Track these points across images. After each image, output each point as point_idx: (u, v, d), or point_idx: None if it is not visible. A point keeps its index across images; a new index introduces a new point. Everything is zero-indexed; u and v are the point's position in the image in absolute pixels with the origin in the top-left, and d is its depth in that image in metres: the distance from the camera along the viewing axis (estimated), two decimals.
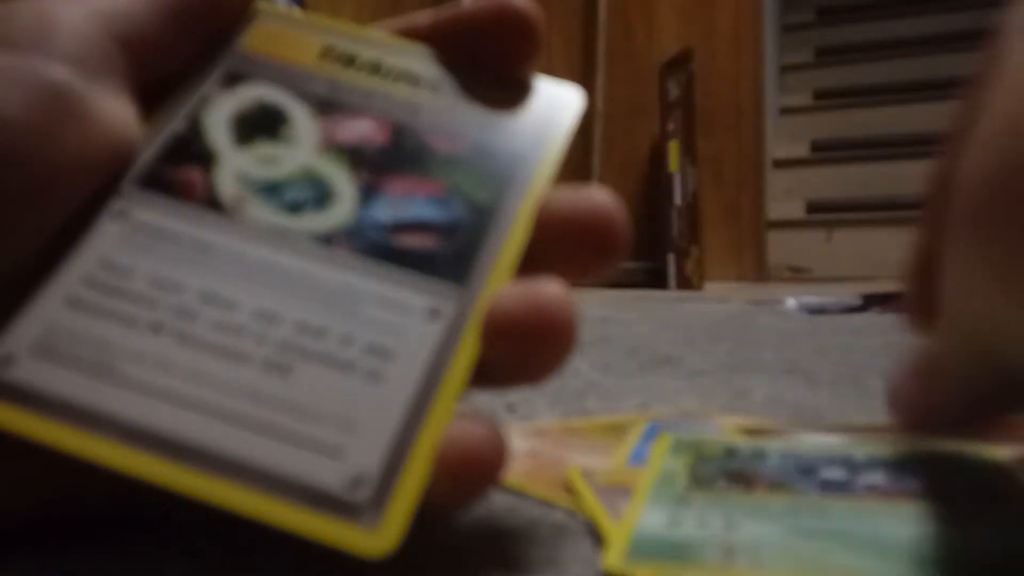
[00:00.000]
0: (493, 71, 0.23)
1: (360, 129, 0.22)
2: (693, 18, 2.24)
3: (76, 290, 0.18)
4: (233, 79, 0.22)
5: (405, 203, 0.21)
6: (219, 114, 0.22)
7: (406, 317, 0.19)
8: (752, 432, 0.29)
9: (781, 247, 2.21)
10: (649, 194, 2.18)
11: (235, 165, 0.21)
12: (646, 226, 2.11)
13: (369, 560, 0.16)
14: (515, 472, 0.25)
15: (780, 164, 2.20)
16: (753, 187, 2.21)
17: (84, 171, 0.19)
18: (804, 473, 0.23)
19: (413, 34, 0.24)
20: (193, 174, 0.20)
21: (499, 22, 0.23)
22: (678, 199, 2.05)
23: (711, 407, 0.38)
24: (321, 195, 0.21)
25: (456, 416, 0.18)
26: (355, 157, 0.21)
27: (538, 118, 0.23)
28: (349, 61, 0.23)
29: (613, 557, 0.17)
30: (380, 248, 0.20)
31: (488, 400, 0.38)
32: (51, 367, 0.17)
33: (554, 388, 0.44)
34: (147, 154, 0.20)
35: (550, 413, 0.37)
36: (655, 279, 2.07)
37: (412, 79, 0.23)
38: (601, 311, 1.04)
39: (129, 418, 0.17)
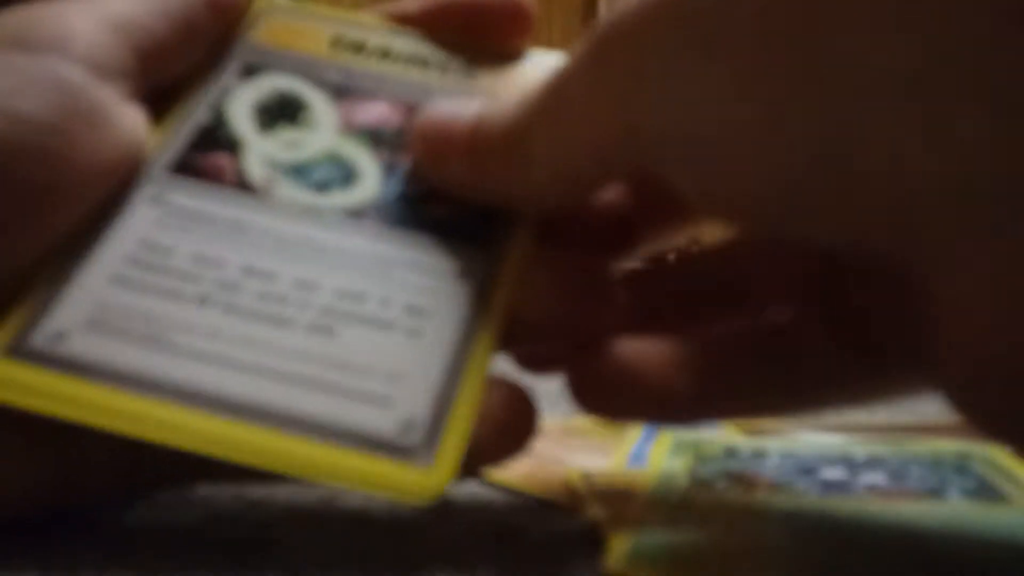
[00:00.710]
0: (490, 46, 0.24)
1: (376, 112, 0.23)
2: None
3: (120, 269, 0.19)
4: (250, 71, 0.23)
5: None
6: (241, 104, 0.22)
7: (438, 279, 0.20)
8: (752, 432, 0.29)
9: None
10: None
11: (261, 150, 0.21)
12: None
13: (418, 503, 0.17)
14: (515, 472, 0.25)
15: None
16: None
17: (96, 172, 0.19)
18: (804, 473, 0.23)
19: (404, 20, 0.25)
20: (222, 160, 0.21)
21: (490, 7, 0.24)
22: None
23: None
24: (346, 174, 0.21)
25: (490, 380, 0.19)
26: (375, 138, 0.22)
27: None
28: (359, 48, 0.24)
29: (615, 559, 0.17)
30: (407, 218, 0.21)
31: None
32: (105, 340, 0.18)
33: (554, 388, 0.44)
34: (176, 143, 0.21)
35: (550, 413, 0.37)
36: None
37: (420, 61, 0.24)
38: None
39: (185, 381, 0.17)
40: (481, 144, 0.20)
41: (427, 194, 0.21)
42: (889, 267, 0.16)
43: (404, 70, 0.24)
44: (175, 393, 0.17)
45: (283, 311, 0.19)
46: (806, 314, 0.21)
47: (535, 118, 0.19)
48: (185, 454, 0.17)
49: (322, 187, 0.21)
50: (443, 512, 0.22)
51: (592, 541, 0.20)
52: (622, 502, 0.21)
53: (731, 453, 0.25)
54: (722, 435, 0.29)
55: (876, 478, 0.23)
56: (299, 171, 0.21)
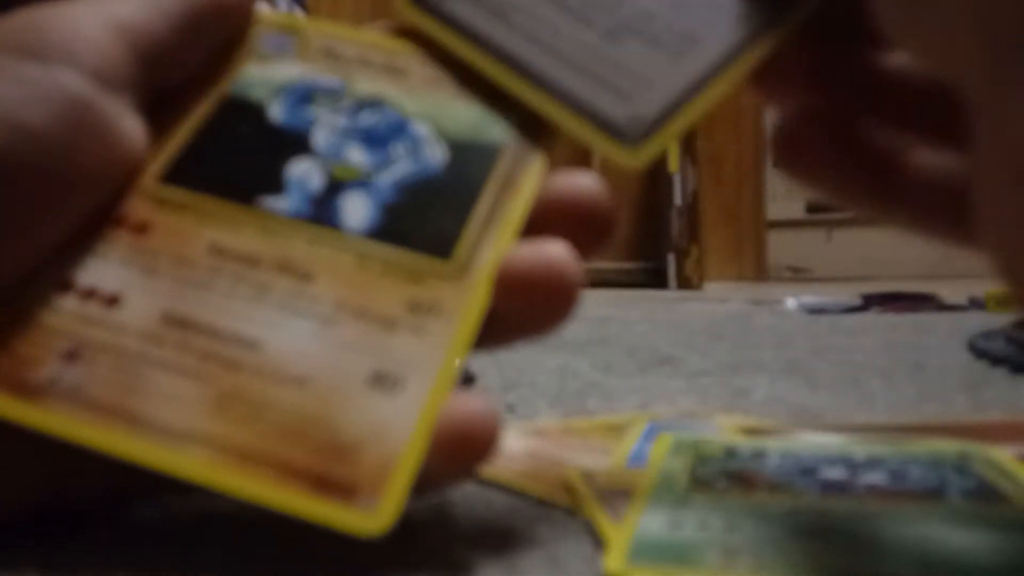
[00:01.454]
0: None
1: None
2: None
3: None
4: None
5: None
6: None
7: (719, 13, 0.23)
8: (752, 432, 0.29)
9: (781, 247, 2.21)
10: (649, 194, 2.18)
11: None
12: (646, 226, 2.11)
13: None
14: (515, 472, 0.25)
15: None
16: (753, 187, 2.21)
17: (96, 183, 0.19)
18: (804, 473, 0.23)
19: (402, 33, 0.25)
20: None
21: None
22: (678, 199, 2.05)
23: (711, 407, 0.38)
24: None
25: (453, 391, 0.19)
26: None
27: None
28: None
29: (614, 560, 0.17)
30: None
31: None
32: (471, 6, 0.24)
33: (554, 388, 0.44)
34: None
35: (550, 413, 0.37)
36: (655, 279, 2.07)
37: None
38: (601, 311, 1.04)
39: (508, 47, 0.23)
40: None
41: None
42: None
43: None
44: (500, 55, 0.23)
45: (594, 14, 0.24)
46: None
47: None
48: None
49: None
50: (443, 512, 0.22)
51: (592, 541, 0.20)
52: (622, 502, 0.21)
53: (731, 453, 0.25)
54: (722, 435, 0.29)
55: (876, 478, 0.23)
56: None
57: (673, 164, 2.06)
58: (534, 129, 0.23)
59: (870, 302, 1.13)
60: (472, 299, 0.20)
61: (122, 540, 0.19)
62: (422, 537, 0.20)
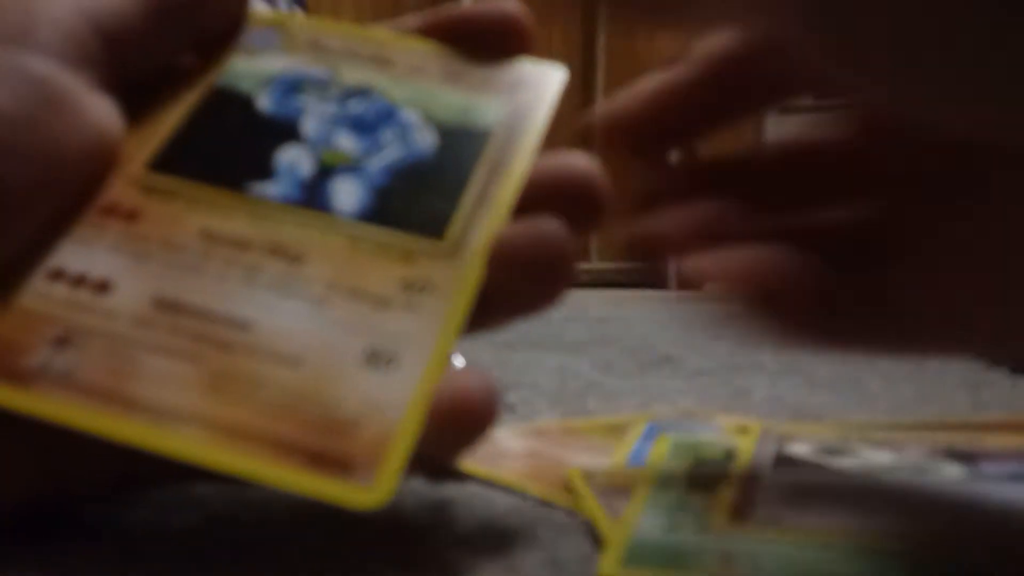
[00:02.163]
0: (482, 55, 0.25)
1: None
2: None
3: None
4: None
5: None
6: None
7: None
8: (742, 431, 0.29)
9: None
10: None
11: None
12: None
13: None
14: (515, 472, 0.25)
15: None
16: None
17: (69, 164, 0.19)
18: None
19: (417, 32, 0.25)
20: None
21: (489, 28, 0.24)
22: None
23: (711, 407, 0.38)
24: None
25: (450, 369, 0.19)
26: None
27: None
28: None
29: (609, 562, 0.17)
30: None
31: None
32: None
33: (554, 388, 0.44)
34: None
35: (550, 413, 0.37)
36: (655, 279, 2.07)
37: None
38: (601, 311, 1.04)
39: None
40: None
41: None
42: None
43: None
44: None
45: None
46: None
47: None
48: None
49: None
50: (443, 512, 0.22)
51: (592, 541, 0.20)
52: (622, 502, 0.21)
53: (731, 455, 0.25)
54: (722, 437, 0.29)
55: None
56: None
57: None
58: None
59: None
60: (465, 276, 0.20)
61: (122, 540, 0.19)
62: (422, 537, 0.20)
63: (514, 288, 0.20)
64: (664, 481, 0.22)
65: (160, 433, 0.17)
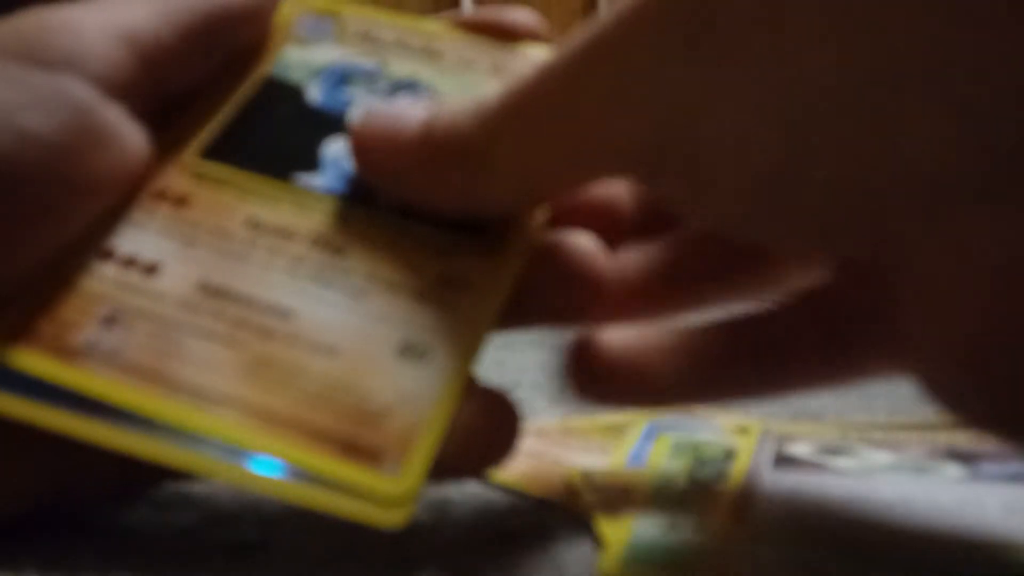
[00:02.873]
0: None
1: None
2: None
3: None
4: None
5: None
6: None
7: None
8: (742, 431, 0.29)
9: None
10: None
11: None
12: None
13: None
14: (515, 472, 0.25)
15: None
16: None
17: (98, 192, 0.20)
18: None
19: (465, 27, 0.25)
20: None
21: (508, 28, 0.24)
22: None
23: (711, 407, 0.38)
24: None
25: (470, 390, 0.19)
26: None
27: None
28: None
29: (609, 562, 0.17)
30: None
31: None
32: None
33: (554, 388, 0.44)
34: None
35: (550, 413, 0.37)
36: None
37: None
38: None
39: None
40: (434, 151, 0.19)
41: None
42: (859, 264, 0.17)
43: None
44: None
45: None
46: (793, 303, 0.22)
47: (501, 123, 0.19)
48: None
49: None
50: (443, 512, 0.22)
51: (592, 541, 0.20)
52: (621, 502, 0.21)
53: (730, 455, 0.25)
54: (722, 437, 0.29)
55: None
56: None
57: None
58: None
59: None
60: (502, 275, 0.20)
61: (122, 540, 0.19)
62: (422, 537, 0.20)
63: (548, 294, 0.21)
64: (664, 481, 0.22)
65: (198, 414, 0.17)
